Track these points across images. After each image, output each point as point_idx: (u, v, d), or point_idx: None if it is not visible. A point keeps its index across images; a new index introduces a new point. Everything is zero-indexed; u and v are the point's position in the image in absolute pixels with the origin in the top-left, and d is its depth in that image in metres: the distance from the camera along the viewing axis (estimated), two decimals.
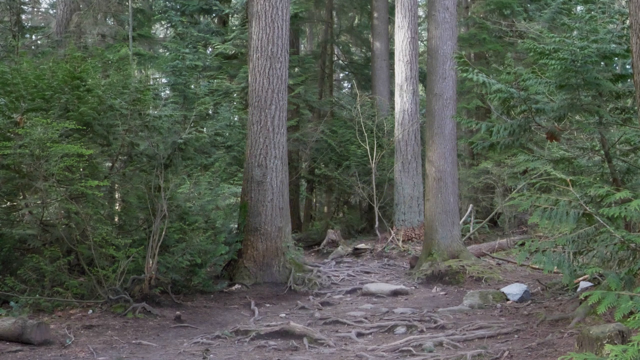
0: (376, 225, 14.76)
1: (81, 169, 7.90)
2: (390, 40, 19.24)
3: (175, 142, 8.77)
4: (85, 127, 8.08)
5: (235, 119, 17.02)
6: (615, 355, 3.40)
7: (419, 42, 20.32)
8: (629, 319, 4.10)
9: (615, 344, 4.21)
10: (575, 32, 7.40)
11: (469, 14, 18.67)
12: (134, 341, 6.43)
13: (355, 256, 13.02)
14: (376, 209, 14.76)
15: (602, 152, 7.21)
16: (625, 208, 5.22)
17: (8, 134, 7.61)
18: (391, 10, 18.46)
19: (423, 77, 17.10)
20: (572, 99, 6.81)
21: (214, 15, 19.54)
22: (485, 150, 7.96)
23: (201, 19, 19.51)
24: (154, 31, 22.77)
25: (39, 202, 8.19)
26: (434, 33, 11.16)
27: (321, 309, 8.37)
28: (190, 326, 7.27)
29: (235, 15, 20.16)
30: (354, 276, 10.94)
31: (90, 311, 7.33)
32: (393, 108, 15.96)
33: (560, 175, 6.13)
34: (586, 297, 6.07)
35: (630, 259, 5.99)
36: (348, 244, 14.30)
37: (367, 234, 16.12)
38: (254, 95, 10.30)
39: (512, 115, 7.63)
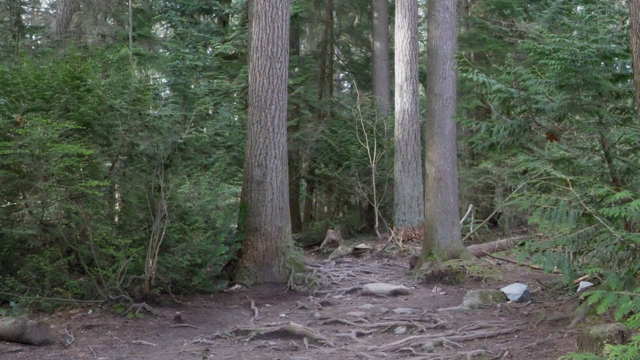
0: (376, 225, 14.76)
1: (81, 169, 7.90)
2: (390, 40, 19.24)
3: (175, 142, 8.77)
4: (85, 127, 8.08)
5: (235, 119, 17.02)
6: (615, 355, 3.40)
7: (419, 42, 20.32)
8: (629, 319, 4.10)
9: (615, 344, 4.21)
10: (575, 32, 7.39)
11: (469, 14, 18.66)
12: (134, 341, 6.44)
13: (355, 256, 13.02)
14: (376, 209, 14.76)
15: (602, 152, 7.21)
16: (625, 208, 5.22)
17: (8, 134, 7.60)
18: (391, 10, 18.46)
19: (423, 77, 17.10)
20: (572, 99, 6.81)
21: (214, 15, 19.54)
22: (485, 150, 7.96)
23: (201, 19, 19.50)
24: (154, 31, 22.76)
25: (39, 202, 8.18)
26: (434, 33, 11.16)
27: (321, 309, 8.37)
28: (190, 326, 7.27)
29: (235, 15, 20.16)
30: (354, 276, 10.94)
31: (90, 311, 7.32)
32: (393, 108, 15.96)
33: (560, 175, 6.13)
34: (586, 297, 6.07)
35: (630, 259, 5.99)
36: (348, 244, 14.29)
37: (367, 234, 16.11)
38: (254, 95, 10.31)
39: (512, 115, 7.63)
